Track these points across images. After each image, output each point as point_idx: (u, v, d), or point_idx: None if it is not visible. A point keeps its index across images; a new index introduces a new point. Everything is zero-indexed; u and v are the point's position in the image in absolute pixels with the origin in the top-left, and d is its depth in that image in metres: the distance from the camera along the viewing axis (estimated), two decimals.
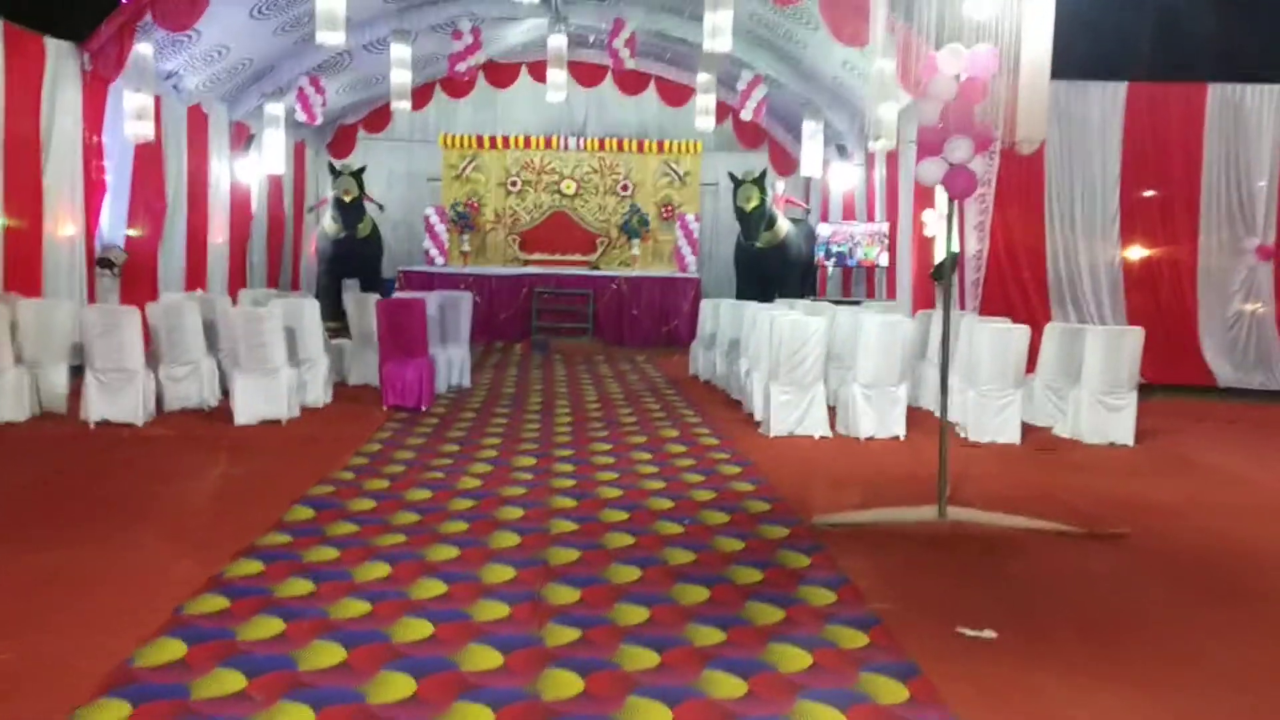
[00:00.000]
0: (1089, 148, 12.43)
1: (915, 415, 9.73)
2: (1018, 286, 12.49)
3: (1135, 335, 9.35)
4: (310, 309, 10.28)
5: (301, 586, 5.01)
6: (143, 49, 12.06)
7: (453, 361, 11.73)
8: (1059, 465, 8.48)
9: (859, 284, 17.43)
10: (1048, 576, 5.56)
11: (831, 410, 9.49)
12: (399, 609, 4.75)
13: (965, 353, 10.01)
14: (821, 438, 9.09)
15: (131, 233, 13.76)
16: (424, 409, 10.06)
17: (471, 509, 6.50)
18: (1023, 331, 9.32)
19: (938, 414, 10.52)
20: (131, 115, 12.16)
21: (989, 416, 9.24)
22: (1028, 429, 9.48)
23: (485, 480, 7.25)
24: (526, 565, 5.41)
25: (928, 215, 13.26)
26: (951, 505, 6.47)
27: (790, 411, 9.12)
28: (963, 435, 9.35)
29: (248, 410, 9.28)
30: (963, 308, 12.45)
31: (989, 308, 12.20)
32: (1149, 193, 12.62)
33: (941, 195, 13.13)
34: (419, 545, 5.69)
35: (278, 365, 9.33)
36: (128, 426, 8.91)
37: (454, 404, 10.60)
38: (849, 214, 17.56)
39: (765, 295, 16.21)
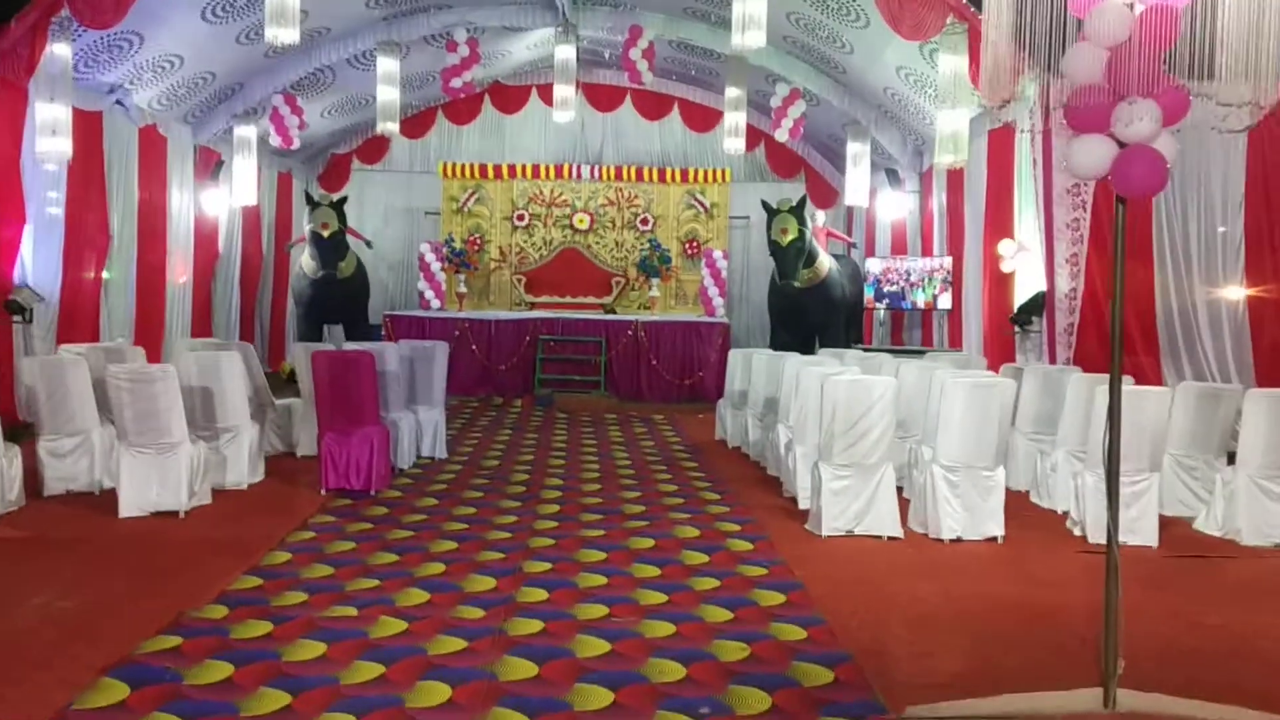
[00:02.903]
0: (1206, 162, 10.08)
1: (1009, 501, 7.38)
2: (1121, 334, 10.11)
3: None
4: (230, 364, 8.11)
5: None
6: (59, 50, 10.03)
7: (423, 427, 9.53)
8: (1224, 585, 6.12)
9: (912, 329, 15.13)
10: None
11: (898, 491, 7.19)
12: None
13: (1076, 423, 7.71)
14: (890, 539, 6.78)
15: (106, 276, 11.77)
16: (373, 492, 7.85)
17: (377, 681, 4.24)
18: (1162, 395, 7.00)
19: (1035, 498, 8.26)
20: (44, 130, 10.11)
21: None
22: (1162, 523, 7.12)
23: (414, 620, 4.99)
24: None
25: (1005, 246, 10.97)
26: (1121, 687, 4.14)
27: (848, 501, 6.82)
28: (1077, 533, 7.03)
29: (136, 498, 7.10)
30: (1052, 360, 10.13)
31: (1084, 360, 9.87)
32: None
33: (1028, 222, 10.88)
34: None
35: (176, 440, 7.15)
36: None
37: (415, 484, 8.38)
38: (899, 248, 15.30)
39: (804, 343, 13.96)
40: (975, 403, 6.75)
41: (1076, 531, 7.04)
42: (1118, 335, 4.20)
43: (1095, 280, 10.05)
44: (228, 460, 8.00)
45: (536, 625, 4.92)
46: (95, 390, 7.88)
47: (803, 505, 7.54)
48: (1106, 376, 7.77)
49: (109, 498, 7.36)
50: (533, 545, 6.46)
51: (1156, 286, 10.19)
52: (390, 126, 14.11)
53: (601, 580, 5.71)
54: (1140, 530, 6.88)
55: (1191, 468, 7.74)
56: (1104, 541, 6.75)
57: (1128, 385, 7.38)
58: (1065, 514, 7.48)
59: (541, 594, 5.42)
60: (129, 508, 7.07)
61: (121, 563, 6.01)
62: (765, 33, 9.87)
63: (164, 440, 7.12)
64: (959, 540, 6.73)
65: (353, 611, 5.09)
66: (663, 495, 8.14)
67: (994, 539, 6.77)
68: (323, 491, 7.80)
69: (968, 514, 6.79)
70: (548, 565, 5.99)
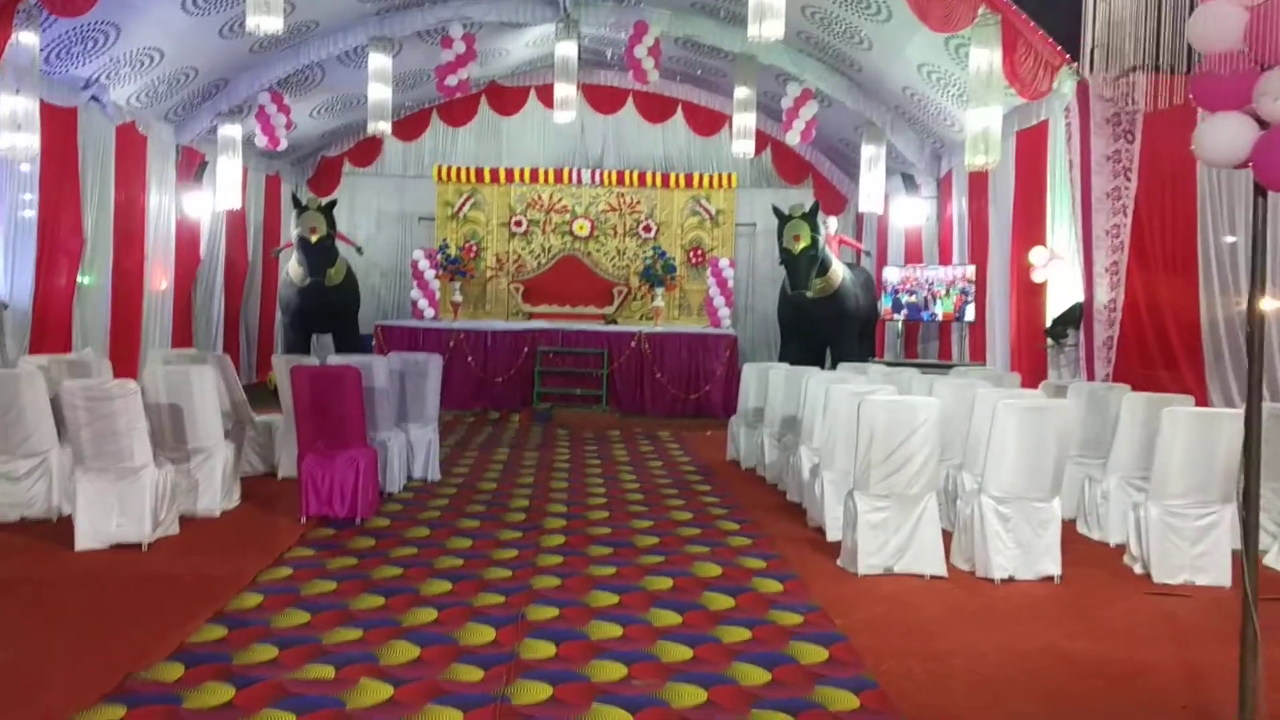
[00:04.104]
0: None
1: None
2: (1162, 349, 9.44)
3: None
4: (202, 379, 7.39)
5: None
6: (25, 39, 9.33)
7: (415, 447, 8.82)
8: None
9: (928, 341, 14.44)
10: None
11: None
12: None
13: (1132, 447, 7.04)
14: (934, 578, 6.08)
15: (86, 281, 11.06)
16: (359, 521, 7.14)
17: None
18: (1236, 419, 6.26)
19: (1083, 529, 7.10)
20: (8, 124, 9.41)
21: (1182, 545, 6.21)
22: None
23: (401, 685, 4.27)
24: None
25: (1036, 254, 10.29)
26: None
27: (887, 536, 6.12)
28: (1138, 570, 6.33)
29: (93, 529, 6.38)
30: (1090, 376, 9.45)
31: (1123, 376, 9.19)
32: None
33: (1061, 229, 10.22)
34: None
35: (138, 464, 6.43)
36: None
37: (405, 511, 7.66)
38: (913, 256, 14.63)
39: (815, 356, 13.28)
40: (1030, 428, 6.04)
41: (1137, 569, 6.35)
42: (1257, 353, 3.49)
43: (1137, 291, 9.40)
44: (199, 485, 7.28)
45: (544, 691, 4.21)
46: (54, 407, 7.17)
47: (831, 537, 6.86)
48: (1165, 396, 7.16)
49: (66, 526, 6.61)
50: (536, 586, 5.75)
51: (1201, 298, 9.53)
52: (382, 126, 13.44)
53: (616, 631, 4.99)
54: (1210, 568, 6.18)
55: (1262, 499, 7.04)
56: (1171, 581, 6.14)
57: (1188, 407, 6.73)
58: (1119, 547, 6.81)
59: (549, 648, 4.71)
60: (86, 539, 6.36)
61: (69, 607, 5.29)
62: (784, 22, 9.20)
63: (125, 464, 6.40)
64: (1011, 580, 6.03)
65: (329, 673, 4.37)
66: (677, 525, 7.43)
67: (1050, 578, 6.07)
68: (303, 520, 7.08)
69: (1020, 550, 6.09)
70: (554, 611, 5.27)
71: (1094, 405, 7.81)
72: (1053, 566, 6.10)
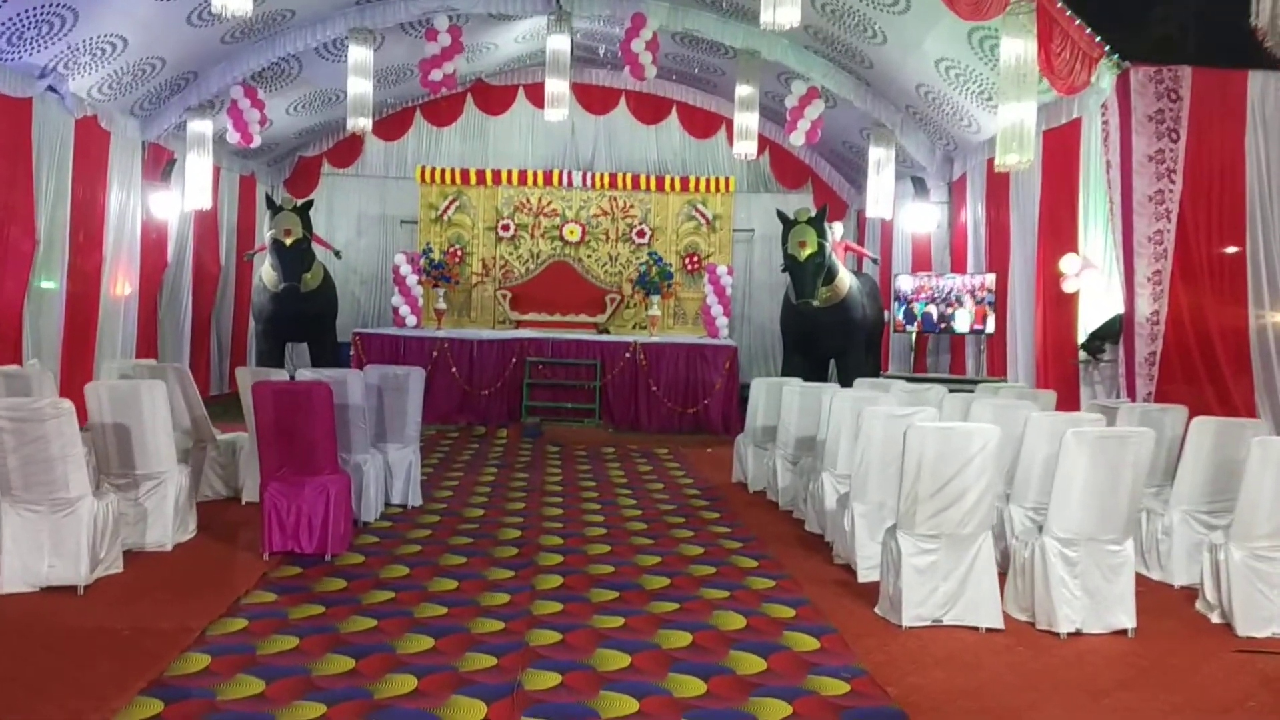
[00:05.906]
0: None
1: None
2: (1208, 365, 8.70)
3: None
4: (153, 395, 6.53)
5: None
6: None
7: (394, 469, 7.99)
8: None
9: (939, 354, 13.69)
10: None
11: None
12: None
13: (1201, 478, 6.28)
14: (989, 631, 5.29)
15: (50, 286, 10.21)
16: (329, 557, 6.31)
17: None
18: None
19: (1141, 568, 5.90)
20: None
21: (1270, 593, 5.44)
22: None
23: None
24: None
25: (1067, 263, 9.53)
26: None
27: (936, 581, 5.33)
28: (1215, 619, 5.56)
29: (21, 570, 5.53)
30: (1131, 396, 8.70)
31: (1168, 395, 8.45)
32: None
33: (1094, 235, 9.48)
34: None
35: (74, 495, 5.59)
36: None
37: (382, 544, 6.81)
38: (921, 264, 13.88)
39: (820, 369, 12.55)
40: (1102, 460, 5.27)
41: (1214, 618, 5.58)
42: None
43: (1180, 302, 8.65)
44: (149, 514, 6.43)
45: None
46: None
47: (864, 578, 6.09)
48: (1240, 422, 6.37)
49: None
50: (532, 642, 4.92)
51: (1250, 310, 8.81)
52: (362, 123, 12.60)
53: (632, 705, 4.17)
54: None
55: None
56: (1258, 635, 5.38)
57: (1263, 433, 5.98)
58: (1185, 590, 6.08)
59: None
60: (13, 581, 5.52)
61: None
62: (800, 8, 8.43)
63: (59, 495, 5.56)
64: (1078, 634, 5.25)
65: None
66: (687, 562, 6.61)
67: (1123, 632, 5.30)
68: (265, 556, 6.25)
69: (1089, 599, 5.31)
70: (556, 678, 4.45)
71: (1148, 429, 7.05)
72: (1126, 619, 5.32)
